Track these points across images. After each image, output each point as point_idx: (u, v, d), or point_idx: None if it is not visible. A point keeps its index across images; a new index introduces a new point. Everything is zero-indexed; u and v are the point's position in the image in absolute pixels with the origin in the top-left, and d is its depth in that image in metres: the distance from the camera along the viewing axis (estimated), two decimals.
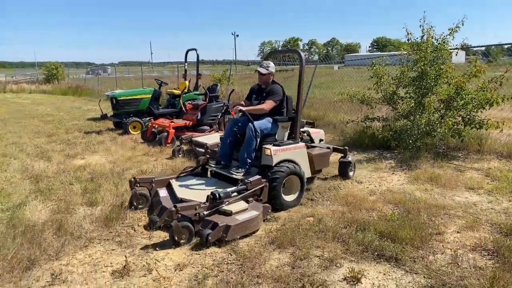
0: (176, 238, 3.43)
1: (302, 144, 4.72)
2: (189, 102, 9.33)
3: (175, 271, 3.08)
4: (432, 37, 6.72)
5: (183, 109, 9.05)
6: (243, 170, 4.43)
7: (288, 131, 4.82)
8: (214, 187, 4.30)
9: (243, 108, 4.44)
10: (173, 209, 3.49)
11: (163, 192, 4.33)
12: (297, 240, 3.46)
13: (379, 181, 5.31)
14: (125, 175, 5.61)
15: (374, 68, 7.16)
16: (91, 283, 2.91)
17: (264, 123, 4.58)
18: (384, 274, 2.97)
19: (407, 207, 4.22)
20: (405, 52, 7.14)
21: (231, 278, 2.93)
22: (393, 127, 6.94)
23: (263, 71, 4.71)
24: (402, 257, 3.14)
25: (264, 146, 4.43)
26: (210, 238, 3.37)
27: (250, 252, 3.32)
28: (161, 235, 3.71)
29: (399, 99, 7.09)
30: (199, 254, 3.35)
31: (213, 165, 4.71)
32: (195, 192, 4.23)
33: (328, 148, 5.23)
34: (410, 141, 6.37)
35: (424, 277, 2.90)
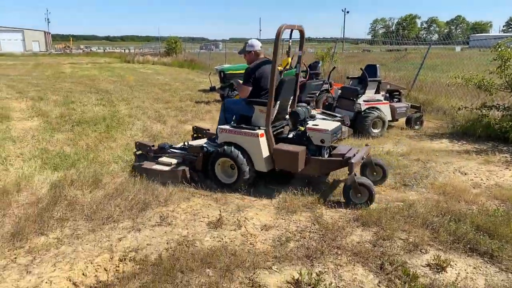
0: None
1: (256, 131, 4.08)
2: None
3: (261, 230, 3.38)
4: None
5: None
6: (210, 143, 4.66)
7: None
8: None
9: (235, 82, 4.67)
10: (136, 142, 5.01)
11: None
12: (383, 221, 3.44)
13: (488, 175, 4.81)
14: None
15: (499, 49, 6.31)
16: (190, 229, 3.37)
17: (237, 102, 4.63)
18: (474, 268, 2.80)
19: None
20: None
21: (312, 245, 3.10)
22: None
23: (241, 51, 4.57)
24: (499, 254, 2.91)
25: (219, 126, 4.41)
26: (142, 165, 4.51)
27: (333, 225, 3.42)
28: (251, 198, 4.05)
29: None
30: (284, 219, 3.58)
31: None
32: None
33: (342, 156, 4.14)
34: None
35: None
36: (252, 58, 4.47)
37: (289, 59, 10.20)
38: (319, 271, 2.70)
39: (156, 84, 14.56)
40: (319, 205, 3.86)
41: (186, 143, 4.87)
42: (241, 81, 4.46)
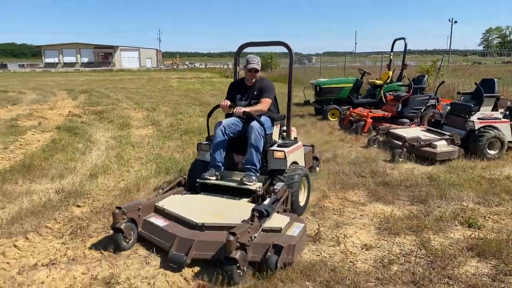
0: (237, 273, 2.67)
1: (300, 143, 4.38)
2: (390, 93, 9.10)
3: (361, 249, 3.27)
4: None
5: (383, 99, 8.90)
6: (254, 178, 3.80)
7: (279, 130, 4.44)
8: (220, 203, 3.65)
9: (246, 109, 3.90)
10: (231, 238, 2.60)
11: (159, 221, 3.33)
12: (504, 254, 3.06)
13: None
14: (321, 156, 6.10)
15: None
16: None
17: (266, 122, 4.02)
18: None
19: None
20: None
21: (418, 270, 2.90)
22: None
23: (258, 67, 4.13)
24: None
25: (271, 148, 3.94)
26: (278, 264, 2.74)
27: (442, 252, 3.15)
28: (349, 215, 3.95)
29: None
30: (386, 240, 3.42)
31: (212, 178, 3.90)
32: (208, 213, 3.35)
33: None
34: None
35: None
36: (259, 74, 4.26)
37: (390, 73, 9.81)
38: None
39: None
40: (425, 229, 3.59)
41: (272, 193, 3.49)
42: (244, 109, 3.89)
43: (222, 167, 4.00)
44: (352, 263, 3.05)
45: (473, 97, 6.50)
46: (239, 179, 3.85)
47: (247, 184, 3.70)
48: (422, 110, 7.86)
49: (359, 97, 10.11)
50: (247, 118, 3.98)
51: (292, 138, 4.48)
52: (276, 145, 4.07)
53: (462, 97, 6.92)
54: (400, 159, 5.87)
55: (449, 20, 46.21)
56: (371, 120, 7.89)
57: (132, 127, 8.78)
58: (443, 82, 8.57)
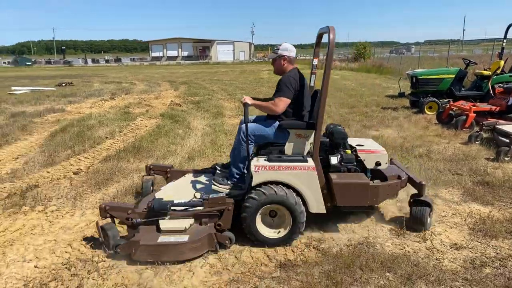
0: (101, 238, 3.02)
1: (310, 164, 3.16)
2: (499, 85, 8.13)
3: (450, 248, 3.12)
4: None
5: (491, 92, 8.01)
6: (228, 183, 3.42)
7: (303, 142, 3.37)
8: (204, 193, 3.38)
9: (249, 101, 3.31)
10: (102, 206, 3.08)
11: (165, 186, 3.81)
12: None
13: None
14: (414, 152, 5.81)
15: None
16: (371, 232, 3.43)
17: (262, 127, 3.37)
18: None
19: None
20: None
21: None
22: None
23: (271, 56, 3.53)
24: None
25: (254, 158, 3.29)
26: (118, 250, 2.89)
27: None
28: (440, 213, 3.76)
29: None
30: (480, 242, 3.20)
31: (219, 167, 3.79)
32: (183, 192, 3.44)
33: (398, 177, 3.47)
34: None
35: None
36: (285, 65, 3.50)
37: (502, 62, 8.75)
38: None
39: (342, 89, 14.89)
40: None
41: (196, 195, 3.39)
42: (249, 100, 3.35)
43: None
44: (438, 260, 2.95)
45: None
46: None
47: (215, 184, 3.43)
48: None
49: (462, 89, 9.22)
50: (270, 117, 3.53)
51: (371, 164, 3.47)
52: (267, 157, 3.29)
53: None
54: (506, 158, 5.29)
55: None
56: (474, 115, 7.18)
57: (225, 116, 9.37)
58: None
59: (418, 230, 3.38)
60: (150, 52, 72.99)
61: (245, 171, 3.47)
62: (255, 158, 3.30)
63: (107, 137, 7.18)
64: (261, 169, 3.13)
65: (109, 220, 3.18)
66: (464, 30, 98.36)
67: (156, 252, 2.88)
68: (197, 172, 4.11)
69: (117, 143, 6.81)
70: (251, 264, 2.95)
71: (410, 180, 3.66)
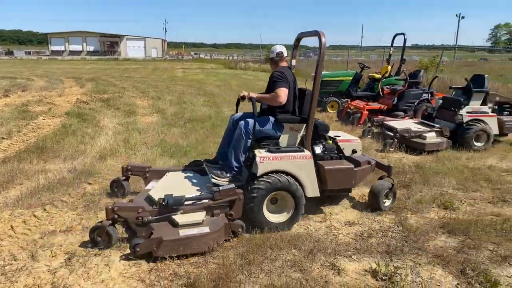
0: (95, 238, 3.06)
1: (306, 153, 3.57)
2: (387, 86, 9.39)
3: (345, 225, 3.65)
4: None
5: (380, 93, 9.20)
6: (227, 175, 3.62)
7: (295, 135, 3.82)
8: (197, 189, 3.63)
9: (253, 95, 3.68)
10: (110, 207, 3.07)
11: (151, 185, 3.87)
12: (471, 231, 3.42)
13: None
14: None
15: None
16: None
17: (260, 121, 3.66)
18: None
19: None
20: None
21: (393, 243, 3.27)
22: None
23: (271, 55, 3.93)
24: None
25: (255, 150, 3.59)
26: (138, 249, 2.86)
27: (417, 228, 3.52)
28: (338, 197, 4.32)
29: None
30: (368, 219, 3.79)
31: (207, 163, 4.02)
32: (173, 191, 3.37)
33: (368, 162, 4.06)
34: None
35: None
36: (277, 64, 3.90)
37: (389, 67, 10.07)
38: (397, 266, 2.88)
39: (256, 89, 15.50)
40: (405, 209, 3.96)
41: (206, 190, 3.54)
42: (252, 94, 3.70)
43: (223, 157, 3.92)
44: (335, 235, 3.43)
45: (464, 92, 6.80)
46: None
47: (213, 178, 3.58)
48: (416, 104, 8.17)
49: (358, 90, 10.39)
50: (262, 112, 3.85)
51: (348, 152, 4.08)
52: (268, 149, 3.58)
53: (454, 92, 7.22)
54: (391, 149, 6.21)
55: (456, 16, 45.82)
56: (367, 112, 8.21)
57: (138, 114, 9.15)
58: (436, 77, 8.83)
59: (375, 207, 3.92)
60: (49, 45, 66.15)
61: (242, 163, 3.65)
62: (257, 150, 3.55)
63: (3, 138, 6.53)
64: (265, 159, 3.40)
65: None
66: (362, 37, 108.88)
67: (180, 246, 2.93)
68: (177, 170, 4.18)
69: (16, 144, 6.24)
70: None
71: (378, 165, 4.27)
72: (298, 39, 4.23)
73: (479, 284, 2.67)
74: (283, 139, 3.76)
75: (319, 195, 3.63)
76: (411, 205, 4.06)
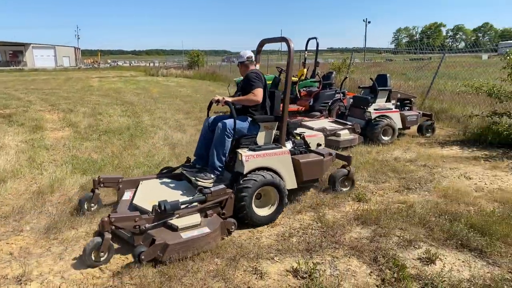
0: (92, 256, 2.94)
1: (285, 149, 3.93)
2: (304, 89, 9.82)
3: (267, 227, 3.68)
4: None
5: (298, 95, 9.59)
6: (212, 176, 3.75)
7: (270, 133, 4.07)
8: (181, 193, 3.72)
9: (228, 99, 3.82)
10: (106, 219, 3.01)
11: (127, 195, 3.86)
12: (382, 220, 3.68)
13: (492, 179, 4.93)
14: None
15: (508, 57, 6.42)
16: None
17: (239, 122, 3.83)
18: (463, 261, 3.00)
19: None
20: None
21: (312, 239, 3.38)
22: None
23: (241, 60, 4.13)
24: (488, 250, 3.09)
25: (237, 150, 3.79)
26: (143, 257, 2.87)
27: (334, 223, 3.69)
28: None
29: None
30: (289, 218, 3.87)
31: (184, 168, 4.13)
32: (155, 199, 3.40)
33: (330, 154, 4.48)
34: None
35: (508, 271, 2.84)
36: (248, 68, 4.12)
37: (305, 70, 10.53)
38: (316, 262, 2.98)
39: (178, 96, 15.18)
40: (323, 205, 4.13)
41: (198, 192, 3.57)
42: (227, 99, 3.83)
43: (203, 161, 4.02)
44: (257, 239, 3.44)
45: (371, 91, 7.38)
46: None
47: (198, 180, 3.70)
48: (330, 104, 8.66)
49: None
50: (237, 113, 3.87)
51: (314, 146, 4.52)
52: (249, 148, 3.80)
53: (362, 91, 7.80)
54: None
55: (364, 21, 50.06)
56: None
57: (46, 129, 8.33)
58: (346, 78, 9.47)
59: (333, 189, 4.47)
60: None
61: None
62: (240, 150, 3.76)
63: None
64: (250, 158, 3.65)
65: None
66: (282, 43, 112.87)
67: (185, 248, 3.02)
68: (150, 179, 4.20)
69: None
70: (81, 280, 2.81)
71: (339, 156, 4.76)
72: (261, 45, 4.50)
73: (389, 270, 2.86)
74: (260, 138, 4.00)
75: (296, 186, 4.00)
76: (329, 200, 4.25)
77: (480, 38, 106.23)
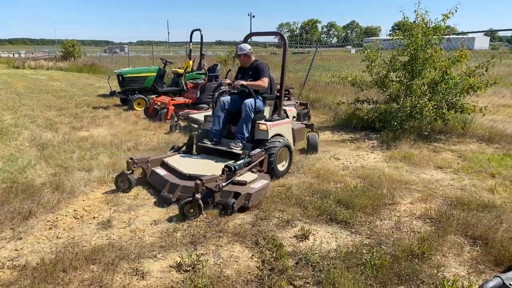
0: (188, 211, 3.61)
1: (288, 119, 5.23)
2: (191, 81, 9.71)
3: (150, 225, 3.54)
4: (424, 22, 6.87)
5: (185, 87, 9.45)
6: (241, 145, 4.72)
7: (272, 108, 5.27)
8: (213, 162, 4.61)
9: (245, 83, 4.81)
10: (199, 182, 3.62)
11: (162, 171, 4.42)
12: (263, 205, 3.87)
13: (356, 159, 5.63)
14: (122, 146, 6.10)
15: (366, 51, 7.36)
16: (77, 232, 3.39)
17: (258, 101, 4.88)
18: (332, 234, 3.35)
19: (372, 181, 4.57)
20: (397, 37, 7.30)
21: (197, 232, 3.37)
22: (378, 109, 7.17)
23: (244, 52, 5.07)
24: (351, 221, 3.52)
25: (258, 122, 4.76)
26: (235, 206, 3.65)
27: (219, 212, 3.74)
28: (144, 197, 4.17)
29: (390, 82, 7.30)
30: (174, 213, 3.79)
31: (208, 142, 4.93)
32: (197, 168, 4.33)
33: (302, 123, 6.06)
34: (395, 123, 6.62)
35: (366, 237, 3.28)
36: (251, 58, 5.14)
37: (190, 62, 10.40)
38: (200, 253, 2.98)
39: (49, 91, 13.53)
40: None
41: (242, 155, 4.39)
42: (242, 82, 4.82)
43: (220, 135, 4.96)
44: (140, 238, 3.28)
45: None
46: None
47: (232, 148, 4.65)
48: (216, 96, 8.73)
49: (164, 85, 10.38)
50: (245, 95, 4.90)
51: (291, 118, 5.62)
52: (264, 119, 4.82)
53: None
54: (176, 131, 6.98)
55: (248, 15, 51.68)
56: (173, 107, 8.29)
57: None
58: (230, 70, 9.66)
59: (315, 152, 5.80)
60: None
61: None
62: (261, 121, 4.77)
63: None
64: (271, 127, 4.73)
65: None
66: (169, 33, 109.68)
67: (260, 195, 3.94)
68: (171, 156, 4.87)
69: None
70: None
71: (306, 125, 6.08)
72: (249, 37, 5.71)
73: (269, 250, 3.03)
74: (266, 112, 5.12)
75: (293, 147, 5.28)
76: None
77: (349, 34, 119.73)
